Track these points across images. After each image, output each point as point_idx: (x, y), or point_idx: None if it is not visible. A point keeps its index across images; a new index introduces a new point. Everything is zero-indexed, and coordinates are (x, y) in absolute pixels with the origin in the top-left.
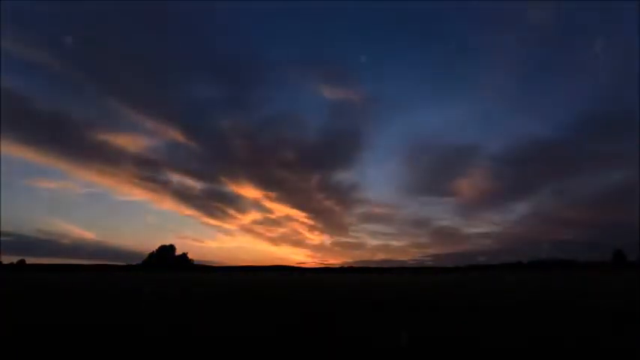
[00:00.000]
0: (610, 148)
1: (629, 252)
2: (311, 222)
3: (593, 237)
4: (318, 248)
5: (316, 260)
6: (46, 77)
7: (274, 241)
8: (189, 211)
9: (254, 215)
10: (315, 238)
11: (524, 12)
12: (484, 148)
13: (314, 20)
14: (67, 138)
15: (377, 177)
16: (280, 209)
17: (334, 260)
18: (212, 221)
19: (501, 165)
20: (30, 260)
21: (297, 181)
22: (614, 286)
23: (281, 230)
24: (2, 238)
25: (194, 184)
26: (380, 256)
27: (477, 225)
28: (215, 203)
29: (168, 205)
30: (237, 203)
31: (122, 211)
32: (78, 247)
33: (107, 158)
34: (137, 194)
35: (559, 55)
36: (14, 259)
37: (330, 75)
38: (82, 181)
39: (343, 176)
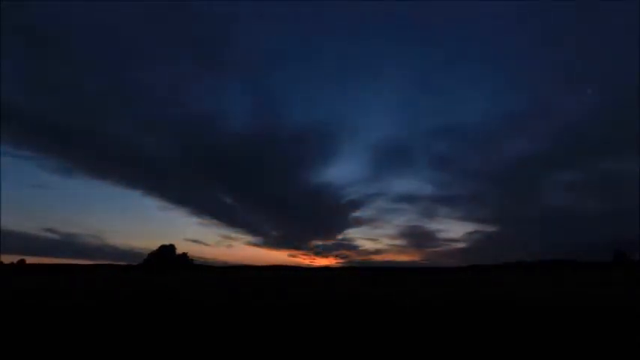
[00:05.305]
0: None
1: (629, 252)
2: (298, 221)
3: (593, 237)
4: (308, 248)
5: (309, 260)
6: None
7: (269, 242)
8: (188, 213)
9: (250, 216)
10: (304, 238)
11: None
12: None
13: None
14: (69, 137)
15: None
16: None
17: (326, 261)
18: (210, 222)
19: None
20: (30, 260)
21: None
22: (615, 286)
23: (274, 231)
24: (3, 237)
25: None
26: (375, 257)
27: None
28: (212, 205)
29: (168, 206)
30: (232, 205)
31: (122, 211)
32: (79, 247)
33: (107, 159)
34: (137, 195)
35: None
36: (14, 259)
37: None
38: (83, 181)
39: (323, 176)
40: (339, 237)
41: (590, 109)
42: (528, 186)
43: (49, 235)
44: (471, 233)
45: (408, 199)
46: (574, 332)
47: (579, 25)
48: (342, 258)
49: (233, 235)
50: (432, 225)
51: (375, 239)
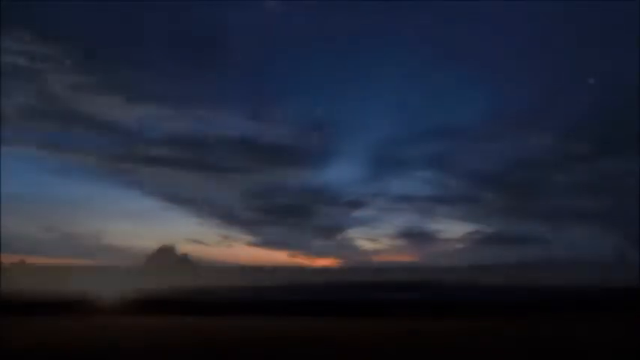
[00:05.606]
0: None
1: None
2: (296, 222)
3: (593, 237)
4: (308, 248)
5: (309, 260)
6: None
7: (270, 242)
8: (188, 213)
9: (250, 216)
10: (304, 238)
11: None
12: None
13: None
14: (69, 137)
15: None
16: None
17: (326, 261)
18: (211, 222)
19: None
20: (30, 260)
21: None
22: (615, 286)
23: (275, 231)
24: (3, 237)
25: (190, 185)
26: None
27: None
28: (212, 205)
29: (168, 206)
30: (232, 205)
31: (122, 211)
32: (79, 247)
33: (107, 159)
34: (137, 195)
35: None
36: (14, 259)
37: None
38: (83, 181)
39: (321, 177)
40: (339, 237)
41: (590, 109)
42: (528, 186)
43: (49, 235)
44: (470, 233)
45: (408, 199)
46: (574, 331)
47: (580, 24)
48: (342, 258)
49: (233, 235)
50: (432, 225)
51: (375, 239)
